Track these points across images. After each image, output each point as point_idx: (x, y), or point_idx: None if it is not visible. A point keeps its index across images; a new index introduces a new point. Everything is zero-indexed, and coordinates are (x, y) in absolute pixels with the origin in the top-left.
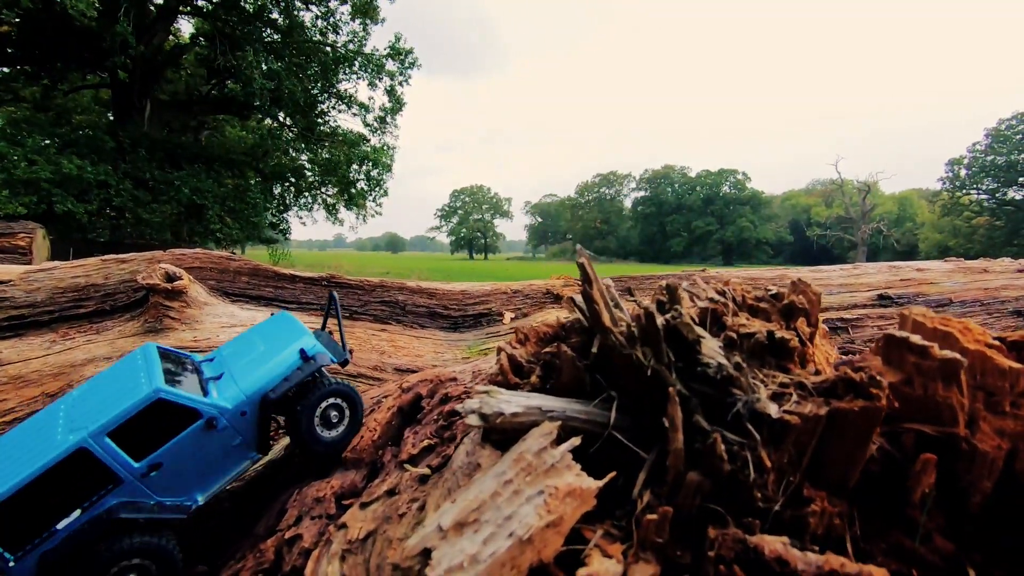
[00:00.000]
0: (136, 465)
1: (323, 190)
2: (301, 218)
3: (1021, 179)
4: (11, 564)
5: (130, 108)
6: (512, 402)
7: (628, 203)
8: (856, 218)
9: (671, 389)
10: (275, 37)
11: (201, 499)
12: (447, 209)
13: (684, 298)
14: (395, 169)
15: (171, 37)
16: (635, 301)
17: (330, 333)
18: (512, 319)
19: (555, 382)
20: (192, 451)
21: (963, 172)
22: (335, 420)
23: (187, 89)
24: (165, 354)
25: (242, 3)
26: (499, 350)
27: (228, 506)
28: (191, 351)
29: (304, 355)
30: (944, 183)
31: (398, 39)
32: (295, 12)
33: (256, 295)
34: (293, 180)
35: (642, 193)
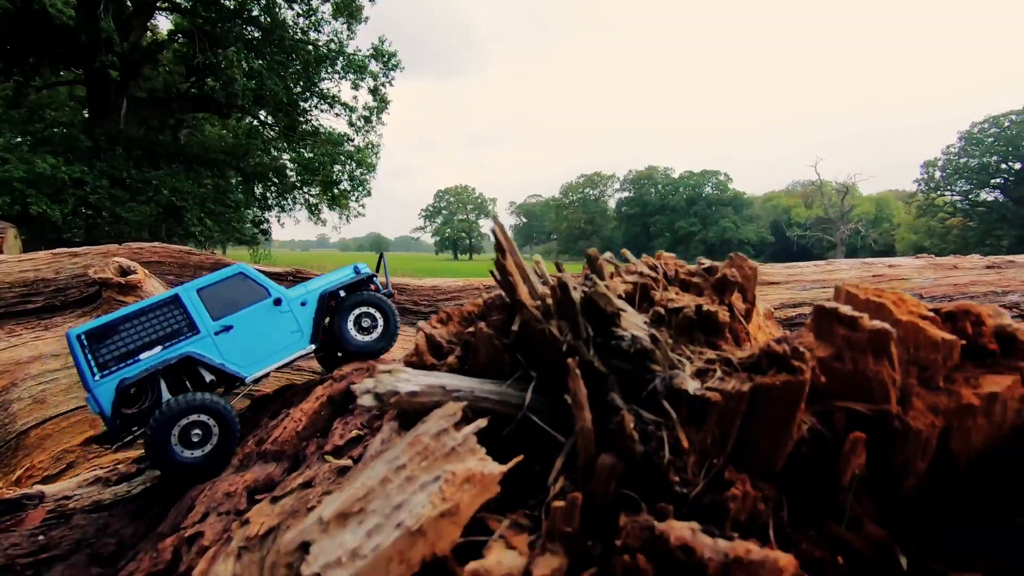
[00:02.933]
0: (212, 322)
1: (305, 190)
2: (281, 220)
3: (993, 181)
4: (96, 379)
5: (107, 105)
6: (412, 381)
7: (612, 204)
8: (835, 219)
9: (570, 361)
10: (256, 35)
11: (251, 376)
12: (431, 209)
13: (606, 269)
14: (379, 169)
15: (148, 33)
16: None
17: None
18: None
19: (472, 362)
20: (259, 324)
21: (937, 174)
22: (367, 326)
23: (166, 86)
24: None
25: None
26: (418, 329)
27: (134, 508)
28: None
29: (356, 270)
30: (919, 185)
31: (382, 41)
32: (276, 9)
33: None
34: (275, 180)
35: (626, 194)
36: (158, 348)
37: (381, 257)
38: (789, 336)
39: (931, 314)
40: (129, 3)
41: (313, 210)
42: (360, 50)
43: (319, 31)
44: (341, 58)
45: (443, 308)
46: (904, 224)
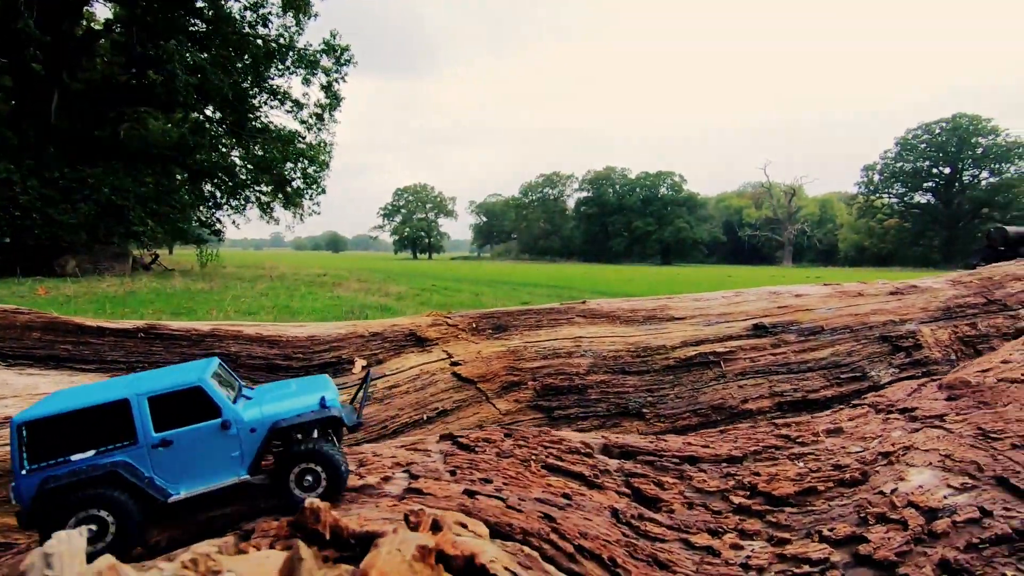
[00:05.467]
0: (154, 435)
1: (257, 188)
2: (234, 221)
3: (926, 184)
4: (23, 472)
5: (36, 99)
6: None
7: (571, 203)
8: (783, 219)
9: None
10: (200, 27)
11: (178, 494)
12: (390, 208)
13: None
14: (336, 167)
15: (83, 22)
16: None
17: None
18: (363, 367)
19: None
20: (200, 444)
21: (876, 177)
22: (308, 485)
23: (104, 78)
24: (224, 369)
25: None
26: None
27: None
28: None
29: (323, 403)
30: (860, 187)
31: (334, 36)
32: (221, 1)
33: (46, 355)
34: (224, 178)
35: (585, 193)
36: (91, 451)
37: (367, 377)
38: None
39: None
40: None
41: (265, 209)
42: (311, 45)
43: (267, 26)
44: (291, 53)
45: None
46: (846, 224)
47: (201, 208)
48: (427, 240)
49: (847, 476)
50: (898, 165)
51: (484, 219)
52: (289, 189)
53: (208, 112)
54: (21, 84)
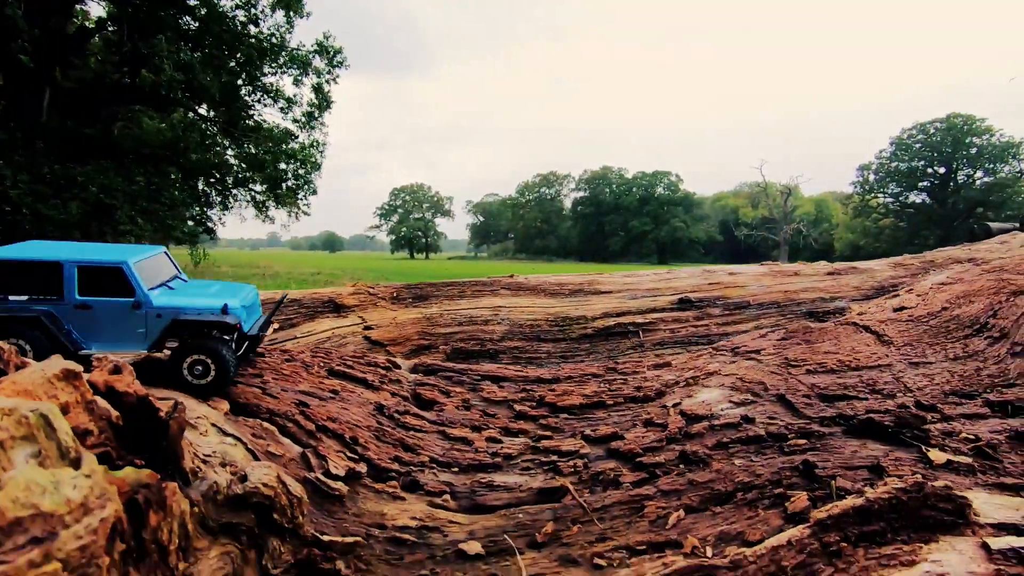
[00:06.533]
0: (77, 297)
1: (251, 188)
2: (222, 220)
3: (921, 184)
4: None
5: (27, 96)
6: None
7: (568, 203)
8: (779, 219)
9: None
10: (192, 25)
11: (89, 349)
12: (387, 207)
13: None
14: (334, 167)
15: (75, 20)
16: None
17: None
18: (274, 330)
19: None
20: (112, 315)
21: (871, 177)
22: (198, 373)
23: (97, 77)
24: (167, 257)
25: None
26: None
27: None
28: None
29: (224, 309)
30: (855, 187)
31: (327, 37)
32: None
33: None
34: (218, 176)
35: (581, 193)
36: (25, 296)
37: (280, 300)
38: None
39: None
40: None
41: (260, 207)
42: (304, 45)
43: (258, 25)
44: (283, 52)
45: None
46: (842, 224)
47: (195, 207)
48: (424, 240)
49: (641, 395)
50: (893, 165)
51: (481, 219)
52: (283, 188)
53: (202, 111)
54: (13, 81)
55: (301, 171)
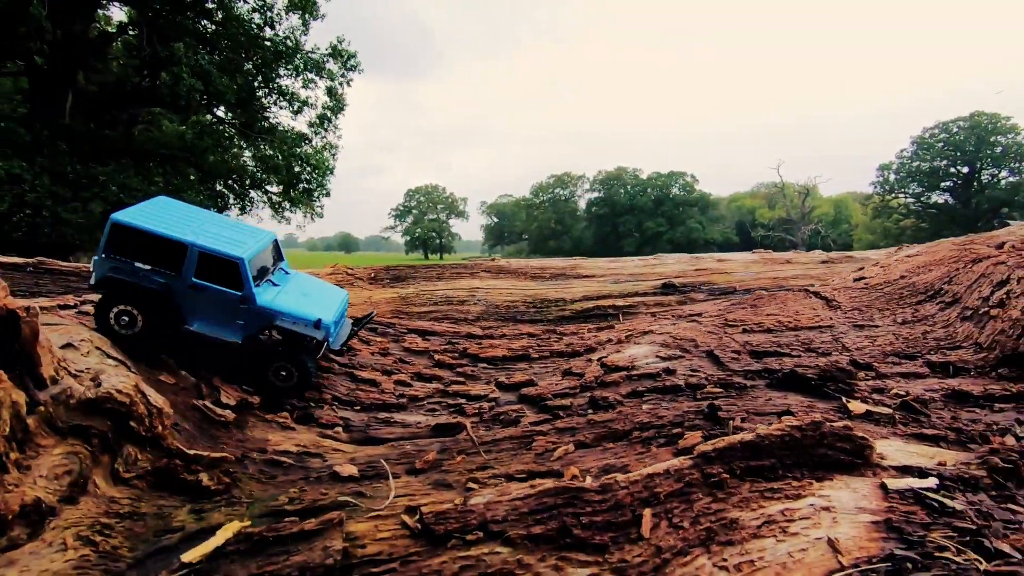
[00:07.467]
0: (193, 279)
1: (267, 189)
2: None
3: (943, 184)
4: (102, 256)
5: (51, 99)
6: None
7: (582, 204)
8: (796, 220)
9: None
10: (210, 28)
11: (191, 327)
12: (402, 208)
13: None
14: (350, 168)
15: (96, 24)
16: None
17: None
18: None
19: None
20: (220, 302)
21: (892, 177)
22: (284, 376)
23: (118, 80)
24: (276, 245)
25: None
26: None
27: None
28: None
29: (318, 324)
30: (875, 187)
31: (340, 41)
32: (231, 2)
33: None
34: (235, 177)
35: (596, 194)
36: (148, 266)
37: (368, 316)
38: None
39: None
40: None
41: (277, 208)
42: (319, 48)
43: (274, 27)
44: (298, 55)
45: None
46: (861, 225)
47: (213, 208)
48: (438, 241)
49: (569, 350)
50: (915, 164)
51: (495, 220)
52: (294, 192)
53: (220, 113)
54: (37, 84)
55: (315, 174)
